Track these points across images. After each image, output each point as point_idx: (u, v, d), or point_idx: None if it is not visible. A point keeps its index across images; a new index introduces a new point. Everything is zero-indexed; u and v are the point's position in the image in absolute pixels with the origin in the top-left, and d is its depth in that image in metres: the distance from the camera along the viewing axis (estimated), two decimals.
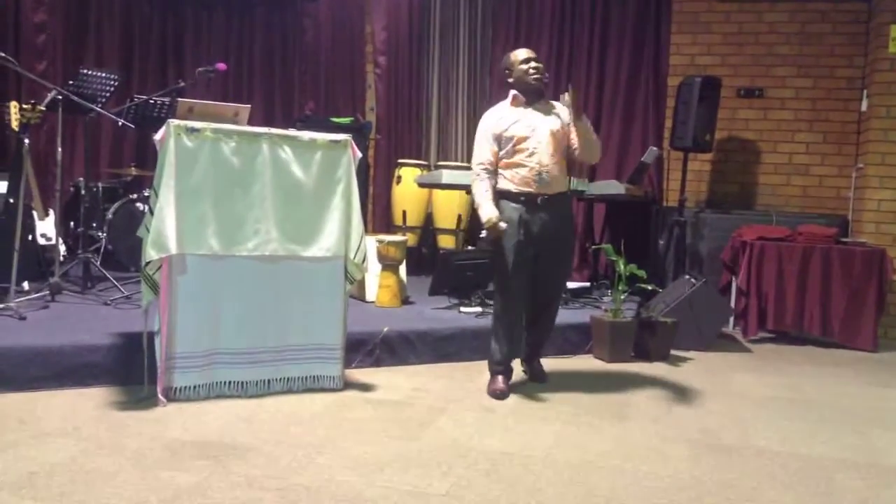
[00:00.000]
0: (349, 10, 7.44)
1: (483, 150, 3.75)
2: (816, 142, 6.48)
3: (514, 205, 3.68)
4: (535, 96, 3.76)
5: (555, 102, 3.82)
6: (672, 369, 4.49)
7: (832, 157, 6.45)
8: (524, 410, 3.48)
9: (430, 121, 7.30)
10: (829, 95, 6.42)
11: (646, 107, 6.78)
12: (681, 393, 3.94)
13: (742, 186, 6.65)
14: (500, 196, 3.72)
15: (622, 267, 4.62)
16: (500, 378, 3.75)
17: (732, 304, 5.53)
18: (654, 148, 6.30)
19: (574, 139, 3.73)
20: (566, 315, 4.91)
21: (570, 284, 5.65)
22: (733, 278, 5.60)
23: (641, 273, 4.64)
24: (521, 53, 3.78)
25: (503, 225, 3.59)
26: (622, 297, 4.62)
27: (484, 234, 3.67)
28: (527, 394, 3.74)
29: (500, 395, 3.67)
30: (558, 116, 3.75)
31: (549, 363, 4.37)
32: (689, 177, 6.14)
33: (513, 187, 3.69)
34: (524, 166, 3.66)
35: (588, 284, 6.21)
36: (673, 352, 4.78)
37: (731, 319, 5.64)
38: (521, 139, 3.67)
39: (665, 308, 4.92)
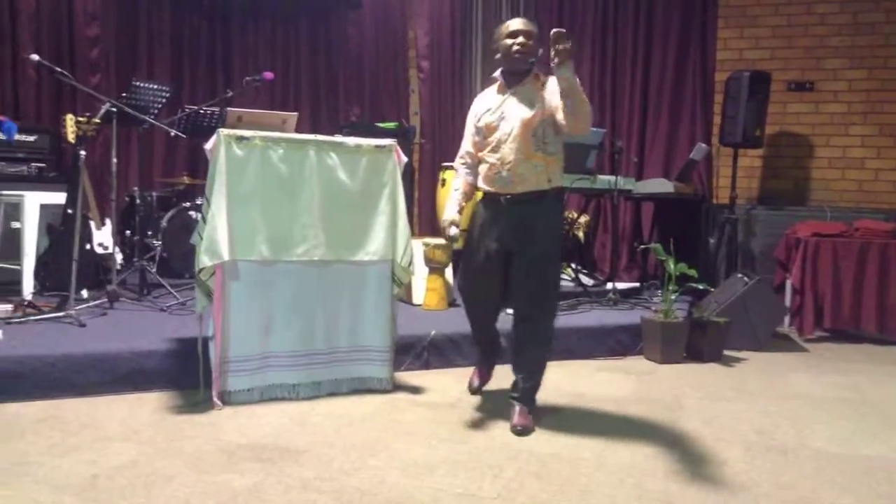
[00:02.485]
0: (392, 16, 7.50)
1: (465, 141, 3.42)
2: (871, 134, 6.32)
3: (482, 203, 3.34)
4: (519, 77, 3.21)
5: (550, 80, 3.16)
6: (726, 370, 4.41)
7: (888, 149, 6.28)
8: (575, 412, 3.46)
9: None
10: (883, 87, 6.25)
11: (693, 103, 6.69)
12: (735, 393, 3.87)
13: (795, 182, 6.51)
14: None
15: (672, 266, 4.56)
16: (475, 371, 3.70)
17: (787, 302, 5.41)
18: (703, 144, 6.21)
19: (560, 111, 3.06)
20: (616, 316, 4.87)
21: (620, 285, 5.59)
22: (787, 276, 5.48)
23: (692, 272, 4.57)
24: (512, 24, 3.20)
25: (453, 231, 3.27)
26: (673, 297, 4.56)
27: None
28: (577, 395, 3.72)
29: (469, 387, 3.65)
30: (541, 100, 3.14)
31: (600, 364, 4.35)
32: (740, 173, 6.04)
33: (481, 184, 3.32)
34: (487, 162, 3.25)
35: (638, 285, 6.15)
36: (726, 352, 4.69)
37: (787, 318, 5.51)
38: (490, 130, 3.22)
39: (717, 307, 4.84)
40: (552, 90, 3.09)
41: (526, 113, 3.13)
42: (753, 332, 4.90)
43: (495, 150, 3.19)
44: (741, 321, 4.82)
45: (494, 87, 3.30)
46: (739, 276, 5.13)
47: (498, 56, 3.23)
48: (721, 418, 3.42)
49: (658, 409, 3.53)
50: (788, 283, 5.44)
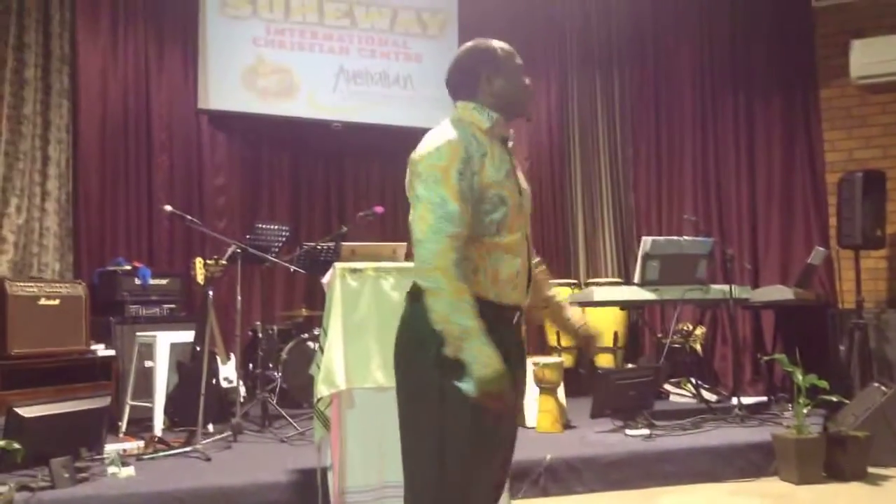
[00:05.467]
0: None
1: (451, 212, 1.97)
2: None
3: (487, 325, 1.96)
4: (508, 129, 2.15)
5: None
6: (872, 489, 4.05)
7: None
8: None
9: (576, 240, 7.40)
10: None
11: (805, 206, 6.52)
12: None
13: None
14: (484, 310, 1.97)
15: (800, 378, 4.31)
16: None
17: None
18: (821, 248, 5.99)
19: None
20: (745, 434, 4.61)
21: (746, 400, 5.30)
22: None
23: (823, 383, 4.30)
24: (516, 54, 2.15)
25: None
26: (805, 411, 4.28)
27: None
28: None
29: None
30: None
31: (732, 488, 4.09)
32: (864, 275, 5.74)
33: (484, 292, 2.03)
34: (503, 255, 2.07)
35: (765, 399, 5.85)
36: (870, 469, 4.32)
37: None
38: (508, 201, 2.05)
39: (855, 420, 4.50)
40: None
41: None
42: None
43: (520, 239, 2.05)
44: (884, 434, 4.45)
45: (475, 131, 2.05)
46: (876, 385, 4.78)
47: (486, 87, 2.11)
48: None
49: None
50: None
